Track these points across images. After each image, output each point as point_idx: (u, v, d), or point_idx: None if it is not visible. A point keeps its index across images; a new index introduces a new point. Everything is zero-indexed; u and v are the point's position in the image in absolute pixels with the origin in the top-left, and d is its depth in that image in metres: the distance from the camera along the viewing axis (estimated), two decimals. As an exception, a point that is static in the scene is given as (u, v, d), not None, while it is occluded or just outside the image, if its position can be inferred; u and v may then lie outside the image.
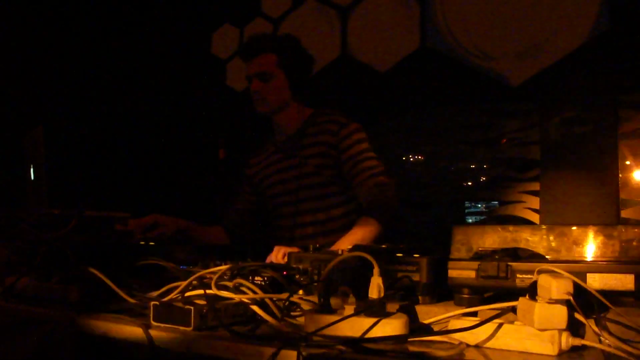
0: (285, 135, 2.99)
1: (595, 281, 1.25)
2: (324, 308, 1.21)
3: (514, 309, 1.11)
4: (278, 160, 3.02)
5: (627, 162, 4.38)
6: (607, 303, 1.13)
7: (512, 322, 1.09)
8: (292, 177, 2.92)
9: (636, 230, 1.35)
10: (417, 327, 1.18)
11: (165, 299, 1.44)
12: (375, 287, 1.18)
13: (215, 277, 1.50)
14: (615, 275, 1.26)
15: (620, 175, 4.40)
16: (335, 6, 6.28)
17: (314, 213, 2.88)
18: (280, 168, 2.98)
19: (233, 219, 3.20)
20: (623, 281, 1.24)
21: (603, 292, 1.16)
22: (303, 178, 2.87)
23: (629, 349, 1.02)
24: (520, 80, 4.89)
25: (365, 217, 2.64)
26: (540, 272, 1.12)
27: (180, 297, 1.44)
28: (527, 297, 1.08)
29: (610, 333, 1.07)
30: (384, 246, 1.63)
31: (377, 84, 5.74)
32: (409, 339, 1.15)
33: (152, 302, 1.40)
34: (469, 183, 5.45)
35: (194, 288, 1.48)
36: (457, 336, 1.13)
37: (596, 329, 1.07)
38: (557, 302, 1.03)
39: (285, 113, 2.96)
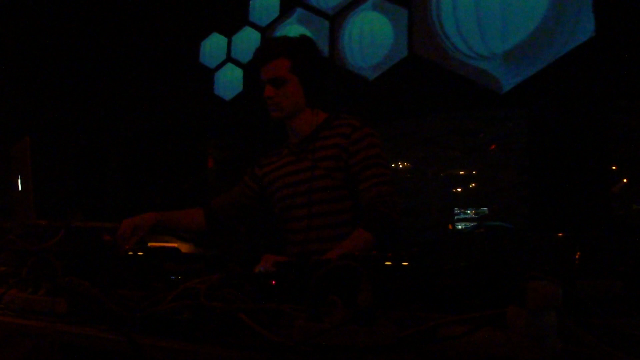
0: (298, 138, 2.96)
1: (584, 287, 1.25)
2: (313, 317, 1.20)
3: (503, 316, 1.10)
4: (290, 163, 2.97)
5: (617, 167, 4.40)
6: (597, 309, 1.12)
7: (501, 329, 1.09)
8: (303, 179, 2.88)
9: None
10: (406, 336, 1.17)
11: (154, 309, 1.44)
12: (364, 296, 1.17)
13: (203, 286, 1.49)
14: (604, 281, 1.25)
15: (610, 179, 4.42)
16: (323, 15, 6.29)
17: (325, 216, 2.83)
18: (292, 170, 2.94)
19: (222, 204, 3.15)
20: (613, 287, 1.24)
21: (593, 298, 1.16)
22: (314, 181, 2.84)
23: (620, 355, 1.02)
24: (509, 86, 4.91)
25: (360, 230, 2.60)
26: (529, 278, 1.12)
27: (168, 308, 1.43)
28: (516, 303, 1.08)
29: (600, 339, 1.06)
30: (372, 253, 1.63)
31: (366, 91, 5.76)
32: (398, 348, 1.14)
33: (140, 314, 1.39)
34: (459, 189, 5.46)
35: (183, 298, 1.48)
36: (447, 344, 1.13)
37: (586, 336, 1.07)
38: (546, 308, 1.03)
39: (299, 118, 2.91)
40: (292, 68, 2.81)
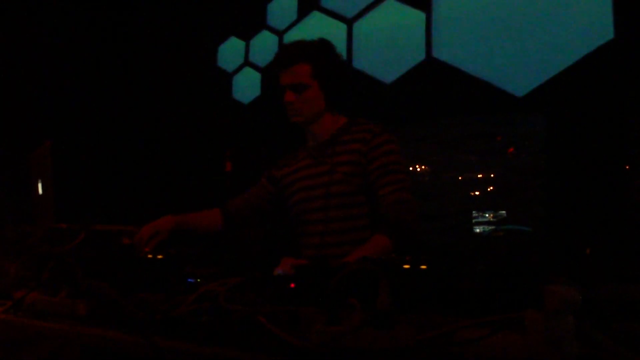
0: (317, 142, 2.95)
1: (603, 290, 1.25)
2: (332, 320, 1.21)
3: (521, 319, 1.10)
4: (307, 166, 2.96)
5: (636, 170, 4.37)
6: (615, 313, 1.12)
7: (520, 333, 1.09)
8: (321, 183, 2.86)
9: None
10: (424, 339, 1.18)
11: (173, 312, 1.45)
12: (383, 299, 1.18)
13: (223, 289, 1.50)
14: (623, 284, 1.25)
15: (629, 182, 4.39)
16: (340, 18, 6.29)
17: (342, 221, 2.82)
18: (310, 174, 2.93)
19: (239, 205, 3.14)
20: (631, 291, 1.24)
21: (611, 302, 1.16)
22: (332, 185, 2.84)
23: (638, 359, 1.02)
24: (527, 89, 4.89)
25: (379, 236, 2.60)
26: (547, 281, 1.12)
27: (188, 311, 1.44)
28: (534, 307, 1.08)
29: (619, 343, 1.06)
30: (391, 257, 1.63)
31: (383, 95, 5.75)
32: (417, 351, 1.15)
33: (160, 316, 1.40)
34: (477, 192, 5.44)
35: (202, 301, 1.48)
36: (465, 347, 1.13)
37: (604, 339, 1.07)
38: (564, 312, 1.03)
39: (319, 122, 2.89)
40: (312, 73, 2.79)
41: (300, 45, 2.88)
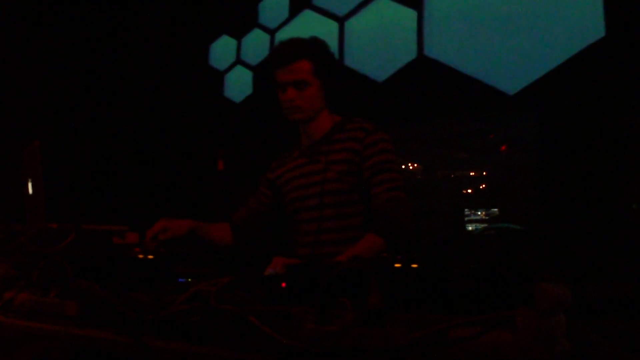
0: (311, 140, 2.95)
1: (595, 289, 1.25)
2: (323, 319, 1.20)
3: (513, 318, 1.10)
4: (302, 165, 2.96)
5: (628, 168, 4.38)
6: (607, 311, 1.12)
7: (511, 331, 1.09)
8: (315, 181, 2.86)
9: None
10: (416, 338, 1.17)
11: (164, 312, 1.44)
12: (374, 298, 1.17)
13: (213, 289, 1.49)
14: (615, 282, 1.25)
15: (621, 180, 4.40)
16: (332, 16, 6.29)
17: (336, 220, 2.82)
18: (304, 172, 2.93)
19: (243, 216, 3.13)
20: (623, 289, 1.24)
21: (603, 300, 1.15)
22: (326, 183, 2.84)
23: (630, 357, 1.01)
24: (519, 87, 4.89)
25: (372, 235, 2.59)
26: (539, 279, 1.11)
27: (178, 311, 1.44)
28: (526, 305, 1.07)
29: (610, 341, 1.06)
30: (383, 255, 1.62)
31: (375, 93, 5.75)
32: (409, 350, 1.14)
33: (150, 316, 1.39)
34: (469, 190, 5.45)
35: (193, 301, 1.48)
36: (457, 346, 1.13)
37: (596, 337, 1.06)
38: (556, 310, 1.03)
39: (316, 120, 2.89)
40: (314, 70, 2.79)
41: (300, 42, 2.87)
